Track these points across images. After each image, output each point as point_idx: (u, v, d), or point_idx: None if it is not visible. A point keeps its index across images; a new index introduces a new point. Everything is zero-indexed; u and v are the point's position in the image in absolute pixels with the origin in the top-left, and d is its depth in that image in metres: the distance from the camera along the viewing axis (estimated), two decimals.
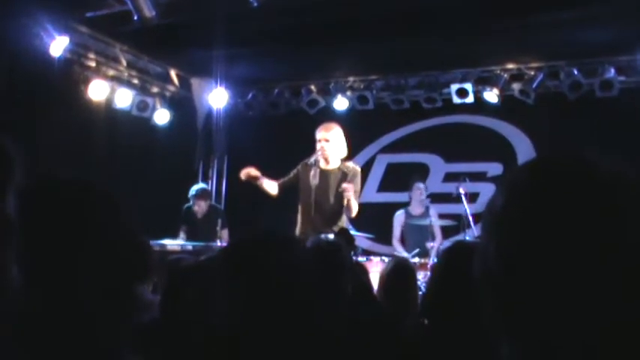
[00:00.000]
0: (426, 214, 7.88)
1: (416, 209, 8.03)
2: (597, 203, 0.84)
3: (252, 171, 5.99)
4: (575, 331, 0.83)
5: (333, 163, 5.80)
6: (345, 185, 5.60)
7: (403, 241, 8.07)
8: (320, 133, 5.83)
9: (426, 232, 7.47)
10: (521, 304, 0.86)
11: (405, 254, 7.41)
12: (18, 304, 0.98)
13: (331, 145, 5.77)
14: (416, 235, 7.76)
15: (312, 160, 5.75)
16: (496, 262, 0.88)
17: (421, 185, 8.05)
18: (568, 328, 0.83)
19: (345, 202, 5.63)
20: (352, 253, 5.22)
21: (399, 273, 4.07)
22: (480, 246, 0.93)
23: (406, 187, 8.91)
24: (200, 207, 8.12)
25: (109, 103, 8.29)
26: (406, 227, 8.07)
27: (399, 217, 8.13)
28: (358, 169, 5.89)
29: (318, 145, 5.77)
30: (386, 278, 4.05)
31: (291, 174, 6.02)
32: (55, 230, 1.14)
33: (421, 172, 9.21)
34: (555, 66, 8.45)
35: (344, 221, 5.75)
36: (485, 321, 0.90)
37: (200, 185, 8.80)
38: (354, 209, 5.69)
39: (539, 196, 0.87)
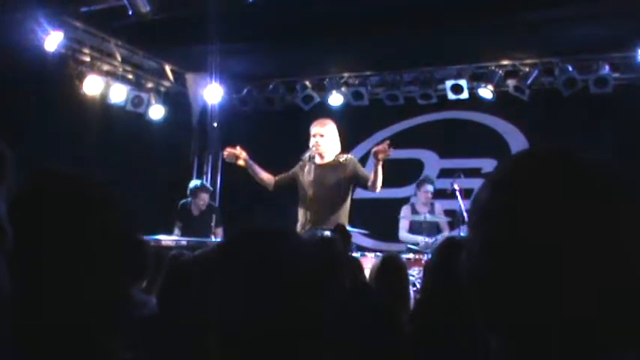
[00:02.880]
0: (431, 211, 7.90)
1: (422, 207, 8.04)
2: (583, 195, 0.83)
3: (238, 151, 5.91)
4: (562, 325, 0.82)
5: (328, 158, 5.80)
6: (377, 148, 5.45)
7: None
8: (315, 128, 5.82)
9: (423, 228, 7.49)
10: (508, 299, 0.85)
11: (419, 238, 7.39)
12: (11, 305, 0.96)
13: (326, 140, 5.76)
14: (418, 231, 7.78)
15: (307, 155, 5.76)
16: (482, 257, 0.87)
17: (429, 187, 8.03)
18: (555, 322, 0.82)
19: (376, 167, 5.50)
20: (349, 248, 5.25)
21: (387, 268, 4.10)
22: (466, 241, 0.92)
23: (401, 182, 8.94)
24: (203, 200, 8.12)
25: (103, 98, 8.27)
26: (411, 223, 8.10)
27: (406, 210, 8.13)
28: (353, 157, 5.88)
29: (313, 140, 5.77)
30: (374, 274, 4.09)
31: (290, 172, 6.00)
32: (52, 226, 1.12)
33: (416, 168, 9.24)
34: (550, 62, 8.47)
35: (343, 216, 5.72)
36: (475, 316, 0.89)
37: (199, 181, 8.83)
38: (380, 181, 5.58)
39: (524, 189, 0.86)
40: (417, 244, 7.27)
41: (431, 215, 7.72)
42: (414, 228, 7.92)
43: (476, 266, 0.89)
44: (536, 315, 0.83)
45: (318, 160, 5.75)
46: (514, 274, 0.84)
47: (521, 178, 0.88)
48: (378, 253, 6.76)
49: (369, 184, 5.59)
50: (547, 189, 0.85)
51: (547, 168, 0.87)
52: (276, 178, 6.00)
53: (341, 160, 5.76)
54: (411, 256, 6.84)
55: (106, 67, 8.35)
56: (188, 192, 8.23)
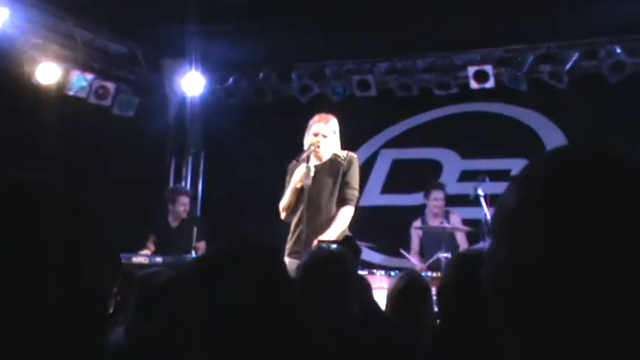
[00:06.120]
0: (446, 220, 7.90)
1: (434, 218, 8.07)
2: (626, 199, 0.84)
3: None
4: (601, 348, 0.83)
5: (325, 157, 5.77)
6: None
7: (422, 254, 8.13)
8: (317, 126, 5.76)
9: (442, 240, 7.47)
10: (538, 318, 0.86)
11: (419, 266, 7.42)
12: None
13: (328, 141, 5.74)
14: (432, 245, 7.78)
15: (303, 156, 5.71)
16: (508, 270, 0.88)
17: (439, 194, 8.05)
18: (592, 344, 0.83)
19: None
20: (357, 265, 5.23)
21: (411, 290, 4.09)
22: (489, 252, 0.93)
23: (415, 187, 8.91)
24: (184, 205, 8.13)
25: (61, 88, 8.28)
26: (423, 237, 8.14)
27: (416, 225, 8.15)
28: (354, 155, 5.83)
29: (313, 139, 5.73)
30: (396, 296, 4.07)
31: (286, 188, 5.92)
32: (5, 243, 1.07)
33: (433, 170, 9.23)
34: (593, 44, 8.45)
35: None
36: (497, 337, 0.91)
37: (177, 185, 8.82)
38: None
39: (559, 192, 0.87)
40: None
41: (449, 226, 7.71)
42: (430, 242, 7.92)
43: (501, 281, 0.90)
44: (572, 337, 0.84)
45: (314, 162, 5.72)
46: (546, 291, 0.85)
47: (554, 179, 0.89)
48: (389, 271, 6.75)
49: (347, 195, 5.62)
50: (584, 191, 0.86)
51: (584, 168, 0.89)
52: (283, 207, 5.89)
53: (337, 158, 5.72)
54: (429, 273, 6.83)
55: (63, 52, 8.33)
56: (165, 198, 8.21)
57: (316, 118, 5.85)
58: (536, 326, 0.87)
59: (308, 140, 5.72)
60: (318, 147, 5.67)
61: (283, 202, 5.79)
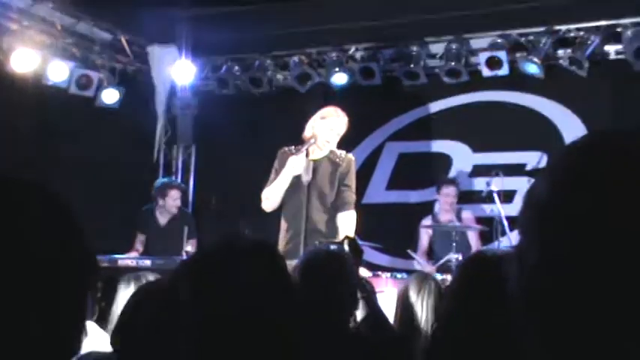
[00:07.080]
0: (458, 219, 7.89)
1: (444, 215, 8.06)
2: None
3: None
4: None
5: (323, 152, 5.78)
6: None
7: (430, 254, 8.14)
8: (336, 121, 5.80)
9: (453, 240, 7.45)
10: (574, 327, 0.84)
11: (429, 268, 7.42)
12: None
13: (337, 140, 5.80)
14: (442, 245, 7.78)
15: (303, 148, 5.71)
16: (539, 271, 0.86)
17: (450, 189, 8.05)
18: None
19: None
20: (359, 267, 5.24)
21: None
22: (516, 252, 0.91)
23: (422, 183, 8.90)
24: (175, 200, 8.14)
25: (38, 77, 8.26)
26: (432, 236, 8.18)
27: (425, 224, 8.17)
28: (352, 158, 5.88)
29: (327, 135, 5.73)
30: (406, 300, 4.06)
31: (273, 176, 5.91)
32: None
33: (442, 164, 9.23)
34: (617, 25, 8.40)
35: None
36: (522, 348, 0.88)
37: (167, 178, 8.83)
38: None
39: (597, 181, 0.85)
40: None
41: (461, 225, 7.70)
42: (440, 241, 7.91)
43: (530, 284, 0.88)
44: (614, 349, 0.82)
45: (312, 155, 5.72)
46: (583, 295, 0.83)
47: (594, 165, 0.87)
48: (395, 273, 6.74)
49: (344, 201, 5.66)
50: (629, 179, 0.84)
51: (627, 153, 0.87)
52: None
53: (335, 158, 5.74)
54: (438, 277, 6.81)
55: (41, 38, 8.30)
56: (154, 193, 8.21)
57: (330, 111, 5.87)
58: (576, 338, 0.84)
59: (318, 130, 5.72)
60: (328, 142, 5.70)
61: (268, 191, 5.79)
